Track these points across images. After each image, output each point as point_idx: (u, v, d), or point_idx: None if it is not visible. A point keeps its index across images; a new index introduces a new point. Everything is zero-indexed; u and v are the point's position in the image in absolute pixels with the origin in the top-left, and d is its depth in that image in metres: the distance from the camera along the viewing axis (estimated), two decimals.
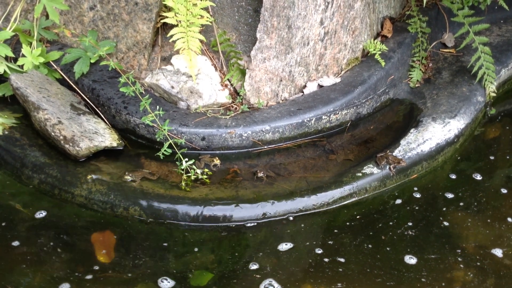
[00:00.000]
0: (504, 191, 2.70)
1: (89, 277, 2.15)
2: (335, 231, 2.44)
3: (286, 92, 2.94)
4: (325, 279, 2.22)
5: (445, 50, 3.46)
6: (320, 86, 3.00)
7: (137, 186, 2.46)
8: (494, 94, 3.16)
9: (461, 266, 2.31)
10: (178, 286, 2.16)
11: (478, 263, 2.32)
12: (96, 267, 2.20)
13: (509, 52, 3.42)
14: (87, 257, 2.24)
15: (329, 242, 2.39)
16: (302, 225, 2.44)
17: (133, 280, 2.17)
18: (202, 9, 2.61)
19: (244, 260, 2.29)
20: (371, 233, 2.43)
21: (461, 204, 2.61)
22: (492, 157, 2.92)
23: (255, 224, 2.43)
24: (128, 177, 2.50)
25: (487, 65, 3.12)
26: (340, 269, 2.26)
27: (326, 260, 2.30)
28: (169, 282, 2.17)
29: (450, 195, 2.66)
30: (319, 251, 2.34)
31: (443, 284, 2.21)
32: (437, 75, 3.30)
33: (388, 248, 2.37)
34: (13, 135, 2.66)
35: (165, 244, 2.33)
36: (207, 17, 2.63)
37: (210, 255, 2.30)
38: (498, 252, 2.36)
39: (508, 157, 2.94)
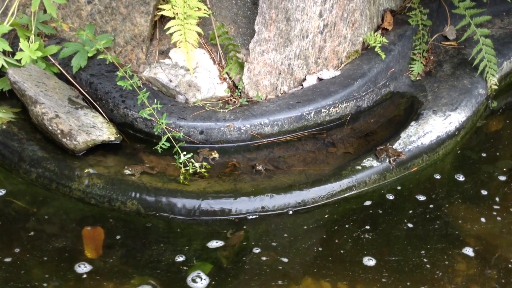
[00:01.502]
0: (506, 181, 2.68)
1: (83, 272, 2.15)
2: (334, 223, 2.42)
3: (285, 85, 2.92)
4: (329, 274, 2.20)
5: (446, 43, 3.42)
6: (320, 79, 2.97)
7: (135, 180, 2.45)
8: (495, 87, 3.13)
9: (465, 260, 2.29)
10: (179, 278, 2.15)
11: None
12: (89, 262, 2.19)
13: (511, 44, 3.39)
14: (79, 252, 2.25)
15: (329, 234, 2.37)
16: (301, 218, 2.43)
17: (131, 272, 2.16)
18: (199, 1, 2.59)
19: (243, 252, 2.27)
20: (372, 227, 2.42)
21: (465, 198, 2.59)
22: (493, 150, 2.90)
23: (256, 217, 2.41)
24: (127, 171, 2.48)
25: (488, 57, 3.09)
26: (339, 262, 2.25)
27: (328, 252, 2.28)
28: (169, 275, 2.16)
29: (452, 189, 2.64)
30: (320, 243, 2.33)
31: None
32: (438, 68, 3.27)
33: (389, 241, 2.35)
34: (11, 130, 2.65)
35: (163, 237, 2.32)
36: (205, 10, 2.62)
37: (208, 248, 2.28)
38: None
39: (509, 150, 2.91)
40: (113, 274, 2.15)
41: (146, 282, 2.11)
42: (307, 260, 2.26)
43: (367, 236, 2.37)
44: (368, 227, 2.41)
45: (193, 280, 2.13)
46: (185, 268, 2.18)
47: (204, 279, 2.14)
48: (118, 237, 2.30)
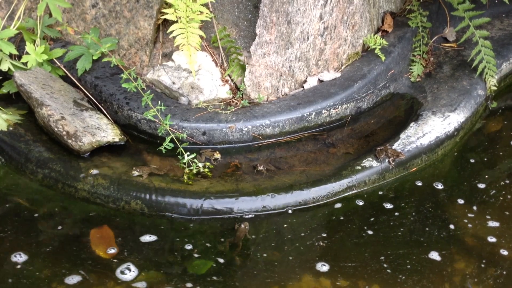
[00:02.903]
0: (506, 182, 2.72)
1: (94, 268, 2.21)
2: (334, 223, 2.47)
3: (287, 87, 2.96)
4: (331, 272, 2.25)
5: (446, 45, 3.46)
6: (321, 81, 3.02)
7: (138, 180, 2.50)
8: (495, 88, 3.16)
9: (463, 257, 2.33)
10: (178, 273, 2.20)
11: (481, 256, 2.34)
12: (98, 259, 2.25)
13: (511, 45, 3.42)
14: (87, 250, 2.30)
15: (329, 233, 2.42)
16: (301, 218, 2.47)
17: (135, 270, 2.21)
18: (201, 5, 2.64)
19: (244, 251, 2.32)
20: (370, 224, 2.46)
21: (464, 197, 2.62)
22: (491, 150, 2.93)
23: (254, 216, 2.45)
24: (136, 172, 2.53)
25: (487, 58, 3.12)
26: (334, 257, 2.29)
27: (331, 247, 2.33)
28: (168, 271, 2.21)
29: (450, 189, 2.68)
30: (323, 240, 2.37)
31: None
32: (438, 69, 3.30)
33: (385, 241, 2.39)
34: (17, 131, 2.70)
35: (166, 236, 2.36)
36: (207, 13, 2.66)
37: (209, 246, 2.33)
38: (434, 256, 2.36)
39: (508, 150, 2.94)
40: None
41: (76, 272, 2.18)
42: (307, 258, 2.30)
43: (363, 234, 2.41)
44: (369, 225, 2.45)
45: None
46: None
47: (134, 271, 2.20)
48: (127, 235, 2.36)
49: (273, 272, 2.23)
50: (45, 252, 2.25)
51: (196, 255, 2.29)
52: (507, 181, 2.72)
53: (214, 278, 2.20)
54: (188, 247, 2.32)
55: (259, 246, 2.35)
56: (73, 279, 2.15)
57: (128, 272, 2.20)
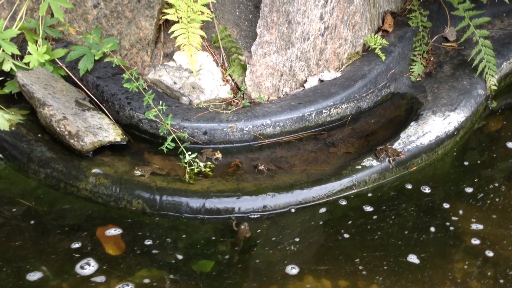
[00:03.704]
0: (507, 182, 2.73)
1: (98, 267, 2.23)
2: (334, 221, 2.48)
3: (287, 87, 2.97)
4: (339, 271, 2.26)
5: (446, 44, 3.47)
6: (321, 81, 3.03)
7: (140, 180, 2.51)
8: (495, 87, 3.17)
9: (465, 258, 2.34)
10: (181, 273, 2.21)
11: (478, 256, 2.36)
12: (104, 259, 2.27)
13: (511, 45, 3.43)
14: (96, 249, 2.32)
15: (327, 231, 2.43)
16: (303, 217, 2.49)
17: (138, 268, 2.23)
18: (202, 5, 2.65)
19: (247, 250, 2.33)
20: (367, 222, 2.48)
21: (464, 196, 2.64)
22: (491, 150, 2.94)
23: (258, 216, 2.47)
24: (138, 172, 2.55)
25: (488, 58, 3.13)
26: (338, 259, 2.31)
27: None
28: (171, 272, 2.23)
29: (449, 188, 2.69)
30: (319, 241, 2.39)
31: None
32: (438, 68, 3.31)
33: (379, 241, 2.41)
34: (20, 131, 2.72)
35: (167, 235, 2.38)
36: (208, 13, 2.68)
37: (211, 245, 2.34)
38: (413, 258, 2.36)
39: (506, 151, 2.95)
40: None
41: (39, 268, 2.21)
42: (307, 256, 2.32)
43: (346, 236, 2.43)
44: (365, 223, 2.47)
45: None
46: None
47: (93, 266, 2.23)
48: (130, 234, 2.38)
49: (274, 271, 2.25)
50: (47, 250, 2.27)
51: (198, 255, 2.30)
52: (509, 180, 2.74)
53: (216, 276, 2.21)
54: (189, 246, 2.34)
55: (260, 245, 2.36)
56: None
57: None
